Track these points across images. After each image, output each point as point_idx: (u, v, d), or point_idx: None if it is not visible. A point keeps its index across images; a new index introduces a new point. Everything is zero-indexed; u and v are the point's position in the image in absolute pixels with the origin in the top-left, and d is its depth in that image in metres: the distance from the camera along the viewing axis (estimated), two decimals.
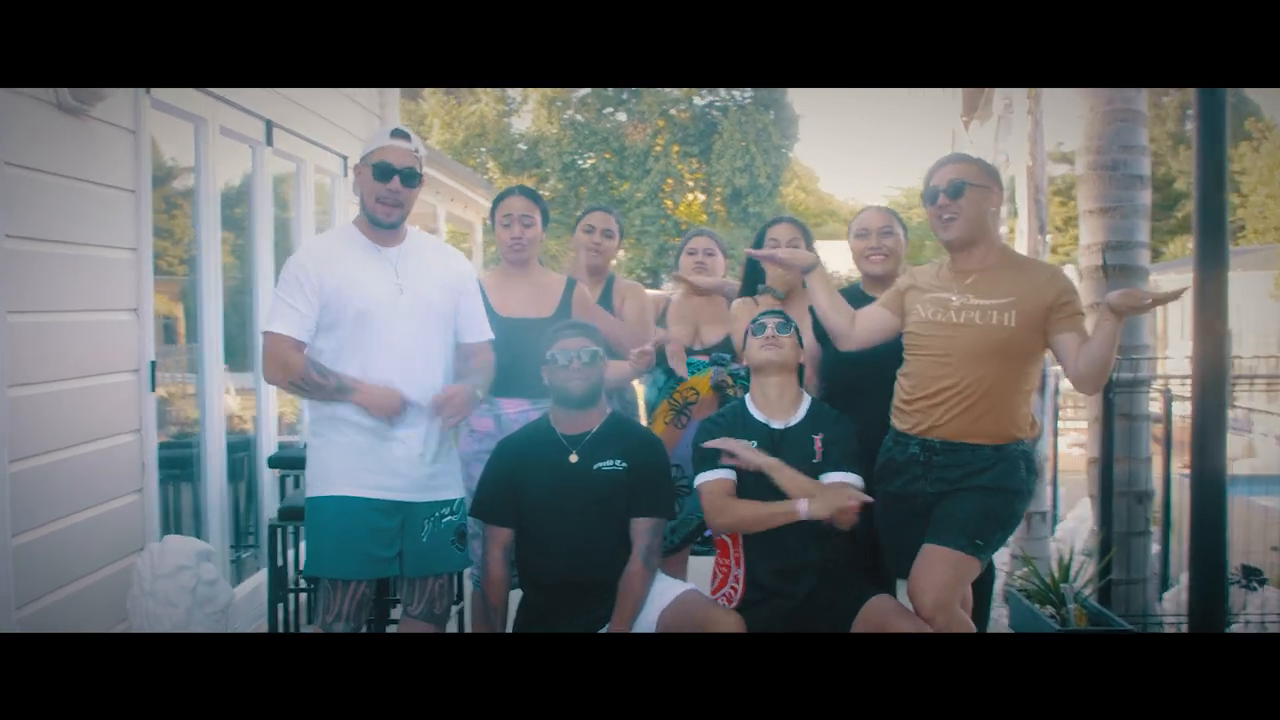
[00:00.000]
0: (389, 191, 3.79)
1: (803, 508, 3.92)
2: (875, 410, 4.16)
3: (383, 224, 3.84)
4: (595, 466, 4.12)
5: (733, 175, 27.19)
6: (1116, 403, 6.02)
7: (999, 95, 8.30)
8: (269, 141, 6.02)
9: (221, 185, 5.57)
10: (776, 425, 4.17)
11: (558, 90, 29.24)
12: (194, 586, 4.05)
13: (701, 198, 29.20)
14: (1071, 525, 8.56)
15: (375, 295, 3.77)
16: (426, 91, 30.61)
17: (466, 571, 4.56)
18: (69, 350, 4.17)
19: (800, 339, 4.27)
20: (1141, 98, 6.29)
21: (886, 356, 4.12)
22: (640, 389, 5.23)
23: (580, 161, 29.11)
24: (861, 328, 4.15)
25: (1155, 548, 6.66)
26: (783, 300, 4.78)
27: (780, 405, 4.20)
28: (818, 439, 4.11)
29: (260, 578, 5.52)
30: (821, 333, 4.41)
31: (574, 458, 4.13)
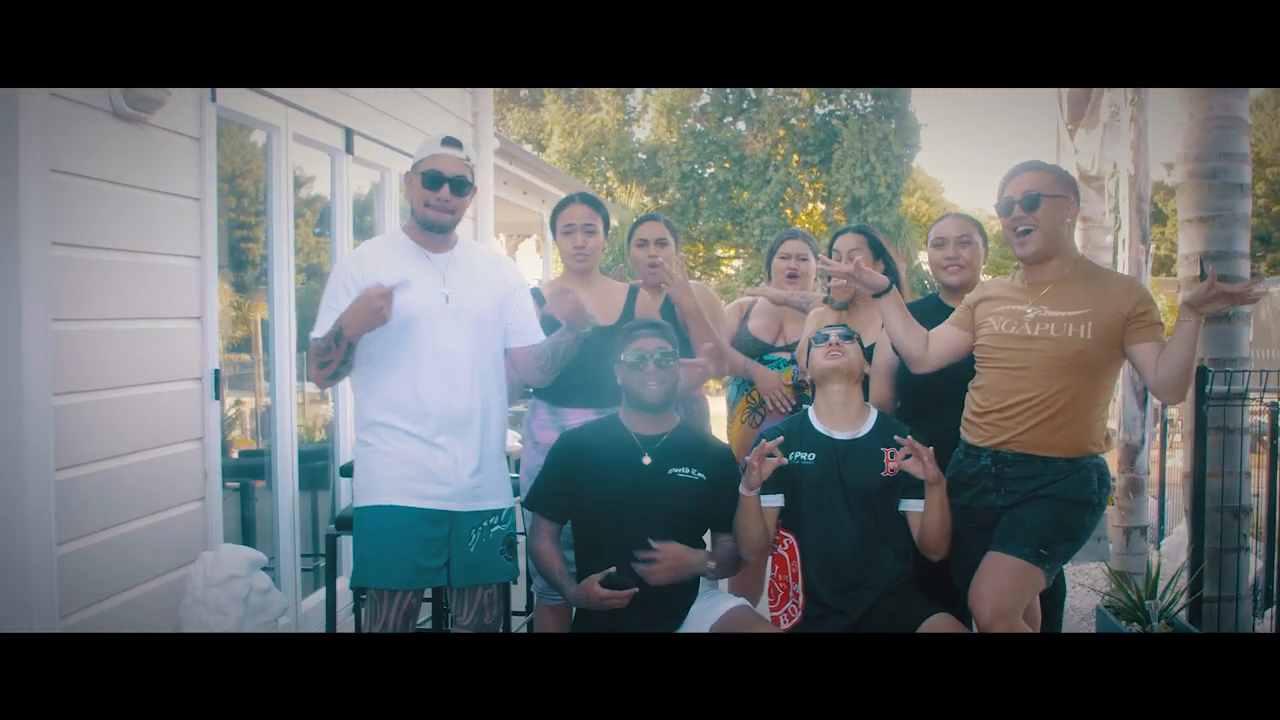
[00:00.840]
0: (439, 199, 3.79)
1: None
2: (952, 422, 4.07)
3: (433, 227, 3.83)
4: (670, 471, 4.03)
5: (852, 184, 26.90)
6: (1210, 415, 5.82)
7: (1106, 102, 8.10)
8: (349, 149, 6.05)
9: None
10: (841, 436, 4.06)
11: (677, 99, 29.22)
12: (246, 595, 4.06)
13: (822, 207, 28.96)
14: (1176, 540, 8.25)
15: (422, 301, 3.75)
16: (547, 99, 30.83)
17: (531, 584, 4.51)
18: (127, 357, 4.20)
19: (865, 349, 4.15)
20: (1243, 104, 6.08)
21: (966, 367, 4.04)
22: (714, 397, 5.16)
23: (699, 170, 29.05)
24: (935, 350, 4.08)
25: (1259, 563, 6.44)
26: (845, 310, 4.68)
27: (845, 416, 4.09)
28: (888, 452, 3.97)
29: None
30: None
31: (648, 459, 4.05)
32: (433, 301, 3.78)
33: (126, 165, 4.18)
